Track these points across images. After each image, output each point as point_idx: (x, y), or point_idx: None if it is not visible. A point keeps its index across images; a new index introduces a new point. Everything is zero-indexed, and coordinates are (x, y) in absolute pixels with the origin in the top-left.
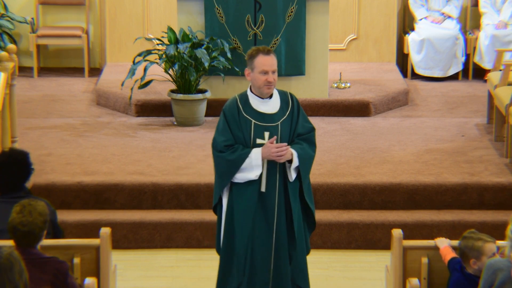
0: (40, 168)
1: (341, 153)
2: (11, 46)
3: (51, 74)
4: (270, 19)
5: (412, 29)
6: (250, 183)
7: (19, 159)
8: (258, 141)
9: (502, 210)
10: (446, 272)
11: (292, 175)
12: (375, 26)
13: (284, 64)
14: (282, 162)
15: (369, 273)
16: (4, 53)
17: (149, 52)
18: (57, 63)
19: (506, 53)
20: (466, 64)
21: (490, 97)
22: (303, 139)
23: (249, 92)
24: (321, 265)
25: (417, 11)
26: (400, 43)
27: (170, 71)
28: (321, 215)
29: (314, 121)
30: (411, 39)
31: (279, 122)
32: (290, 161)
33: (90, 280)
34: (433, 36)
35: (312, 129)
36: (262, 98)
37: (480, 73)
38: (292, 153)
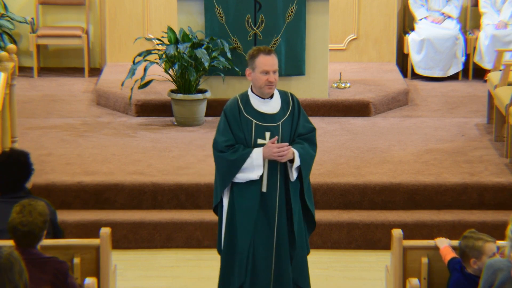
0: (40, 168)
1: (341, 153)
2: (11, 46)
3: (51, 74)
4: (270, 19)
5: (412, 29)
6: (252, 183)
7: (20, 159)
8: (259, 141)
9: (502, 210)
10: (446, 272)
11: (294, 175)
12: (375, 26)
13: (284, 64)
14: (284, 161)
15: (369, 273)
16: (4, 53)
17: (149, 52)
18: (57, 63)
19: (506, 53)
20: (466, 64)
21: (490, 97)
22: (304, 139)
23: (250, 92)
24: (321, 265)
25: (417, 11)
26: (400, 43)
27: (170, 71)
28: (321, 215)
29: (314, 121)
30: (411, 39)
31: (280, 122)
32: (291, 161)
33: (90, 280)
34: (433, 36)
35: (313, 129)
36: (263, 98)
37: (480, 73)
38: (294, 153)
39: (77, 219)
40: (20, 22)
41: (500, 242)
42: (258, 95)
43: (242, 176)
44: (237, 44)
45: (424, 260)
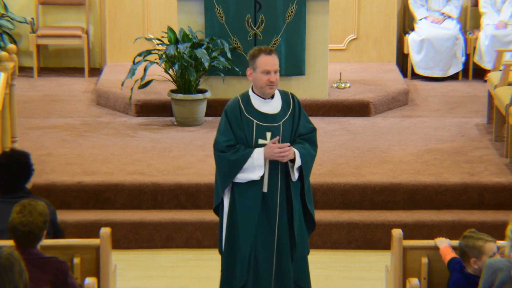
0: (40, 168)
1: (341, 153)
2: (11, 46)
3: (51, 74)
4: (270, 19)
5: (412, 29)
6: (252, 183)
7: (20, 159)
8: (260, 141)
9: (502, 210)
10: (446, 272)
11: (295, 175)
12: (375, 26)
13: (284, 64)
14: (285, 161)
15: (369, 273)
16: (4, 53)
17: (149, 52)
18: (57, 63)
19: (506, 53)
20: (466, 64)
21: (490, 97)
22: (305, 139)
23: (250, 92)
24: (321, 265)
25: (417, 11)
26: (400, 43)
27: (170, 71)
28: (321, 215)
29: (314, 121)
30: (411, 39)
31: (280, 123)
32: (292, 161)
33: (90, 280)
34: (433, 36)
35: (313, 129)
36: (264, 98)
37: (480, 73)
38: (295, 153)
39: (77, 219)
40: (20, 22)
41: (500, 242)
42: (259, 95)
43: (243, 176)
44: (237, 44)
45: (424, 260)
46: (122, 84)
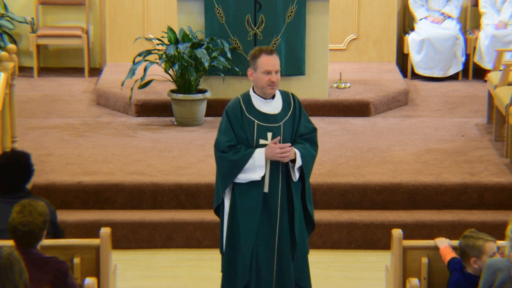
0: (40, 168)
1: (341, 153)
2: (11, 46)
3: (51, 74)
4: (270, 19)
5: (412, 29)
6: (254, 183)
7: (20, 160)
8: (261, 141)
9: (502, 210)
10: (446, 272)
11: (296, 175)
12: (375, 26)
13: (284, 64)
14: (286, 162)
15: (369, 273)
16: (4, 53)
17: (149, 52)
18: (57, 63)
19: (506, 53)
20: (466, 64)
21: (490, 97)
22: (305, 139)
23: (251, 93)
24: (321, 265)
25: (417, 11)
26: (400, 43)
27: (170, 71)
28: (321, 215)
29: (314, 121)
30: (411, 39)
31: (281, 123)
32: (293, 161)
33: (90, 280)
34: (433, 36)
35: (314, 129)
36: (265, 99)
37: (480, 73)
38: (296, 153)
39: (77, 219)
40: (20, 22)
41: (500, 242)
42: (260, 96)
43: (243, 177)
44: (237, 44)
45: (424, 260)
46: (122, 84)
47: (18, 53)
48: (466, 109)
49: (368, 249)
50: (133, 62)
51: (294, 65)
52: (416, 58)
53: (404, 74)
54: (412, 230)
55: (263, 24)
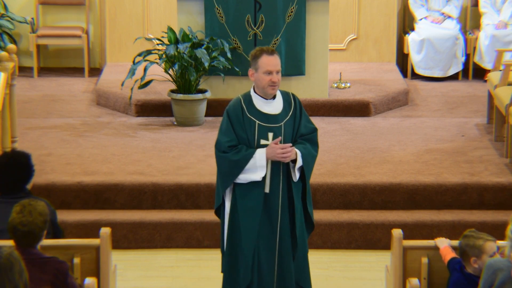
0: (40, 168)
1: (341, 153)
2: (11, 46)
3: (51, 74)
4: (270, 19)
5: (412, 29)
6: (255, 184)
7: (21, 160)
8: (262, 141)
9: (502, 210)
10: (446, 272)
11: (297, 175)
12: (375, 26)
13: (284, 64)
14: (287, 162)
15: (369, 273)
16: (4, 53)
17: (149, 52)
18: (57, 63)
19: (506, 53)
20: (466, 64)
21: (490, 97)
22: (306, 139)
23: (252, 93)
24: (321, 265)
25: (417, 11)
26: (400, 43)
27: (170, 71)
28: (321, 215)
29: (314, 121)
30: (411, 39)
31: (282, 123)
32: (294, 161)
33: (90, 280)
34: (433, 36)
35: (314, 130)
36: (266, 99)
37: (480, 73)
38: (297, 153)
39: (77, 219)
40: (20, 22)
41: (500, 242)
42: (261, 96)
43: (244, 177)
44: (237, 44)
45: (424, 260)
46: (122, 84)
47: (18, 53)
48: (466, 109)
49: (368, 249)
50: (133, 62)
51: (294, 65)
52: (416, 58)
53: (404, 74)
54: (412, 230)
55: (263, 24)
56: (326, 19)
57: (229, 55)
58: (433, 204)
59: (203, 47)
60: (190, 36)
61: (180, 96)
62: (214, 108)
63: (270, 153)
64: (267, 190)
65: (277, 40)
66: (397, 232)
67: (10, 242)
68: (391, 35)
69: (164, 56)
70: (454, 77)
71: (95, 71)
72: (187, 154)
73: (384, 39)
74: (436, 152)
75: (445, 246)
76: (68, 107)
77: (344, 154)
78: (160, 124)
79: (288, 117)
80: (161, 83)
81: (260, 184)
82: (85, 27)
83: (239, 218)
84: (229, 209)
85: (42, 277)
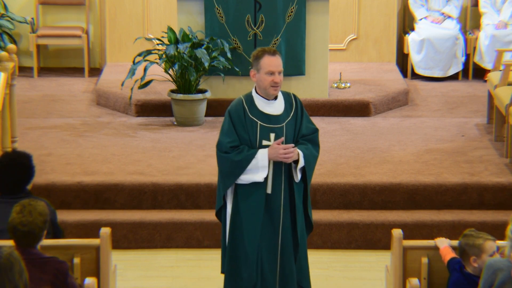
0: (40, 168)
1: (341, 153)
2: (11, 46)
3: (51, 74)
4: (270, 19)
5: (412, 29)
6: (256, 185)
7: (22, 161)
8: (264, 142)
9: (502, 210)
10: (446, 272)
11: (298, 176)
12: (375, 26)
13: (284, 64)
14: (289, 162)
15: (369, 273)
16: (4, 53)
17: (149, 52)
18: (57, 63)
19: (506, 53)
20: (466, 64)
21: (490, 97)
22: (307, 140)
23: (254, 93)
24: (321, 265)
25: (417, 11)
26: (400, 43)
27: (170, 71)
28: (321, 215)
29: (314, 121)
30: (411, 39)
31: (284, 124)
32: (296, 162)
33: (90, 280)
34: (433, 36)
35: (315, 130)
36: (268, 100)
37: (480, 73)
38: (299, 153)
39: (77, 219)
40: (20, 22)
41: (500, 242)
42: (263, 96)
43: (246, 178)
44: (237, 44)
45: (424, 260)
46: (122, 84)
47: (18, 53)
48: (466, 109)
49: (368, 249)
50: (133, 62)
51: (294, 65)
52: (416, 58)
53: (404, 74)
54: (412, 230)
55: (263, 24)
56: (326, 19)
57: (229, 55)
58: (433, 204)
59: (203, 47)
60: (190, 36)
61: (180, 96)
62: (214, 108)
63: (272, 154)
64: (269, 190)
65: (277, 40)
66: (397, 232)
67: (10, 242)
68: (391, 35)
69: (164, 56)
70: (454, 77)
71: (95, 71)
72: (187, 154)
73: (384, 39)
74: (436, 152)
75: (445, 246)
76: (68, 107)
77: (344, 154)
78: (160, 124)
79: (290, 117)
80: (161, 83)
81: (262, 185)
82: (85, 27)
83: (241, 219)
84: (230, 210)
85: (42, 277)
